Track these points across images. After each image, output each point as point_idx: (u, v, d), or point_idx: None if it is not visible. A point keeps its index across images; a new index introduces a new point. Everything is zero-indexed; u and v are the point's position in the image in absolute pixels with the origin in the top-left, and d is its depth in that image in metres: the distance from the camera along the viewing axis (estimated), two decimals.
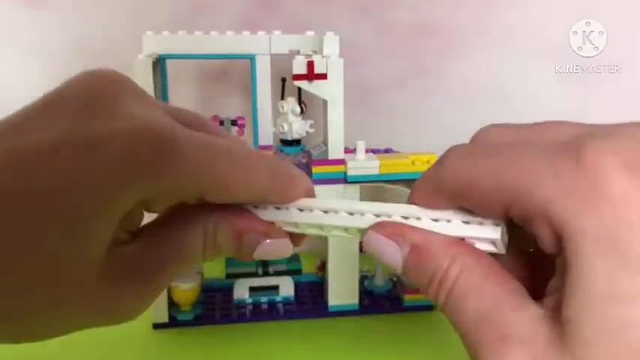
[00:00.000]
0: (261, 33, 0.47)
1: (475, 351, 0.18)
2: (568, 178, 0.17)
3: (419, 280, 0.21)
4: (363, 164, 0.45)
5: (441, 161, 0.21)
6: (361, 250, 0.46)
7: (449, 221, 0.21)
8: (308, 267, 0.53)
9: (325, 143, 0.45)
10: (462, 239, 0.21)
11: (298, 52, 0.47)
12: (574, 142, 0.17)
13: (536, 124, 0.21)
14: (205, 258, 0.23)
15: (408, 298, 0.49)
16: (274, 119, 0.49)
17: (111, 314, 0.21)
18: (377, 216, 0.22)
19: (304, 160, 0.49)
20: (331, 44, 0.45)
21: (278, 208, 0.24)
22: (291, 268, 0.51)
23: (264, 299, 0.49)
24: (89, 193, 0.18)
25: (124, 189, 0.18)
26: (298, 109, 0.48)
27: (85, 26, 0.55)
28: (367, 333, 0.47)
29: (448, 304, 0.19)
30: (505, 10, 0.58)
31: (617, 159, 0.16)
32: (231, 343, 0.45)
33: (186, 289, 0.46)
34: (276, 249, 0.23)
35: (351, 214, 0.23)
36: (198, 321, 0.47)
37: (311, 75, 0.43)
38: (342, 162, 0.45)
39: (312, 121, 0.49)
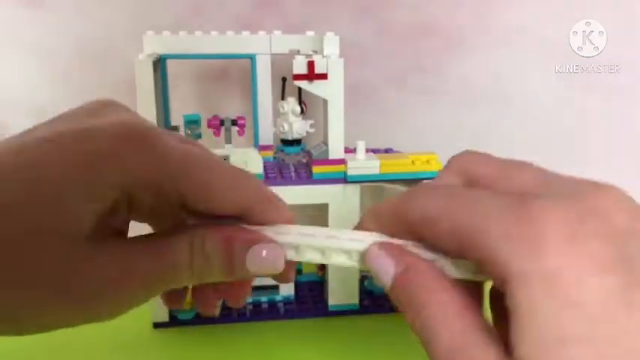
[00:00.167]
0: (261, 33, 0.47)
1: None
2: (513, 226, 0.19)
3: (399, 302, 0.22)
4: (363, 164, 0.45)
5: (406, 197, 0.22)
6: None
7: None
8: (308, 267, 0.53)
9: (325, 143, 0.45)
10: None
11: (298, 52, 0.47)
12: (525, 198, 0.19)
13: (504, 163, 0.23)
14: (193, 270, 0.23)
15: None
16: (274, 119, 0.49)
17: (86, 310, 0.22)
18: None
19: (304, 160, 0.49)
20: (331, 44, 0.45)
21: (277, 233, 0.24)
22: None
23: (264, 299, 0.49)
24: (74, 182, 0.21)
25: (105, 177, 0.21)
26: (298, 109, 0.48)
27: (86, 26, 0.55)
28: (367, 333, 0.47)
29: (422, 332, 0.20)
30: (505, 10, 0.58)
31: (558, 217, 0.18)
32: (232, 342, 0.45)
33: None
34: (267, 253, 0.23)
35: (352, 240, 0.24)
36: (198, 320, 0.47)
37: (311, 75, 0.43)
38: (342, 162, 0.45)
39: (312, 121, 0.49)
